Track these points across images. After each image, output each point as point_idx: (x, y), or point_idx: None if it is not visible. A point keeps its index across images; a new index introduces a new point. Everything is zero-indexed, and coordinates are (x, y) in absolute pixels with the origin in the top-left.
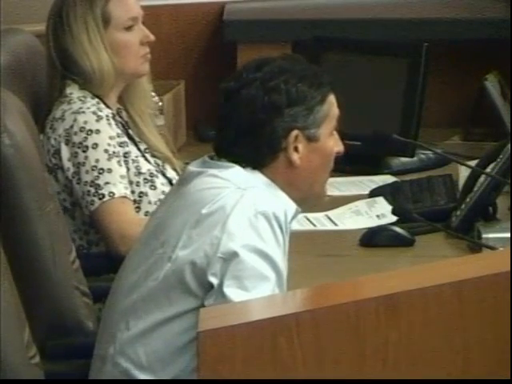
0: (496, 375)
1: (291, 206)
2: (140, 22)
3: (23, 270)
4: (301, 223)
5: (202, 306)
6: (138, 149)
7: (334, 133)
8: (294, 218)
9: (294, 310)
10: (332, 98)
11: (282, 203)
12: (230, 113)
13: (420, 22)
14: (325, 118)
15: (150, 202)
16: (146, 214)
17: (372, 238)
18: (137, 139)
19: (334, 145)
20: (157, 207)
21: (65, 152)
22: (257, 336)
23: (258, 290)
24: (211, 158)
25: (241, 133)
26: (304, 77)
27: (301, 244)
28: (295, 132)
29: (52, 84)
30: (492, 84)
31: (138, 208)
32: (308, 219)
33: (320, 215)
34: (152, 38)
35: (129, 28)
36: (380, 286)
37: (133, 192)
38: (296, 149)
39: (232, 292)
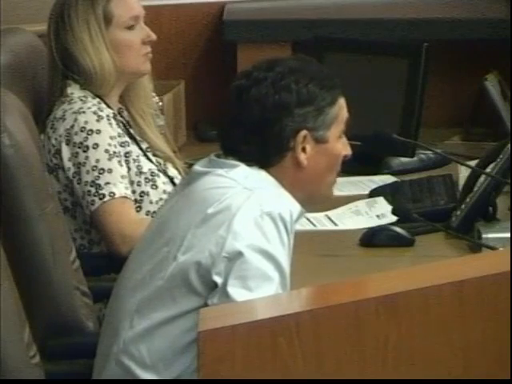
0: (496, 375)
1: (296, 207)
2: (142, 21)
3: (23, 270)
4: (301, 223)
5: (206, 305)
6: (140, 148)
7: (343, 136)
8: (298, 219)
9: (294, 310)
10: (342, 101)
11: (287, 204)
12: (240, 111)
13: (420, 21)
14: (334, 120)
15: (151, 202)
16: (147, 213)
17: (372, 238)
18: (138, 138)
19: (342, 148)
20: (161, 206)
21: (65, 152)
22: (257, 336)
23: (261, 290)
24: (218, 156)
25: (249, 131)
26: (315, 78)
27: (301, 244)
28: (304, 132)
29: (53, 84)
30: (492, 84)
31: (139, 207)
32: (308, 219)
33: (320, 215)
34: (154, 37)
35: (130, 27)
36: (380, 286)
37: (134, 192)
38: (304, 149)
39: (236, 292)
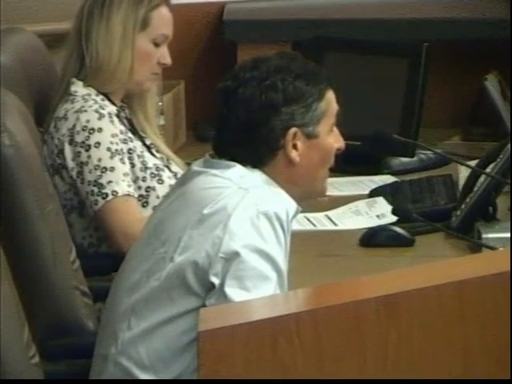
0: (496, 375)
1: (292, 205)
2: (166, 44)
3: (23, 270)
4: (301, 223)
5: (204, 305)
6: (144, 143)
7: (334, 129)
8: (294, 216)
9: (294, 310)
10: (330, 95)
11: (283, 202)
12: (228, 113)
13: (420, 21)
14: (323, 115)
15: (157, 197)
16: (154, 208)
17: (372, 238)
18: (142, 134)
19: (334, 141)
20: (157, 206)
21: (68, 152)
22: (257, 336)
23: (259, 290)
24: (212, 156)
25: (239, 132)
26: (301, 74)
27: (301, 244)
28: (293, 130)
29: (69, 62)
30: (492, 84)
31: (146, 203)
32: (308, 219)
33: (320, 215)
34: (169, 62)
35: (156, 43)
36: (380, 286)
37: (140, 188)
38: (295, 146)
39: (233, 292)
